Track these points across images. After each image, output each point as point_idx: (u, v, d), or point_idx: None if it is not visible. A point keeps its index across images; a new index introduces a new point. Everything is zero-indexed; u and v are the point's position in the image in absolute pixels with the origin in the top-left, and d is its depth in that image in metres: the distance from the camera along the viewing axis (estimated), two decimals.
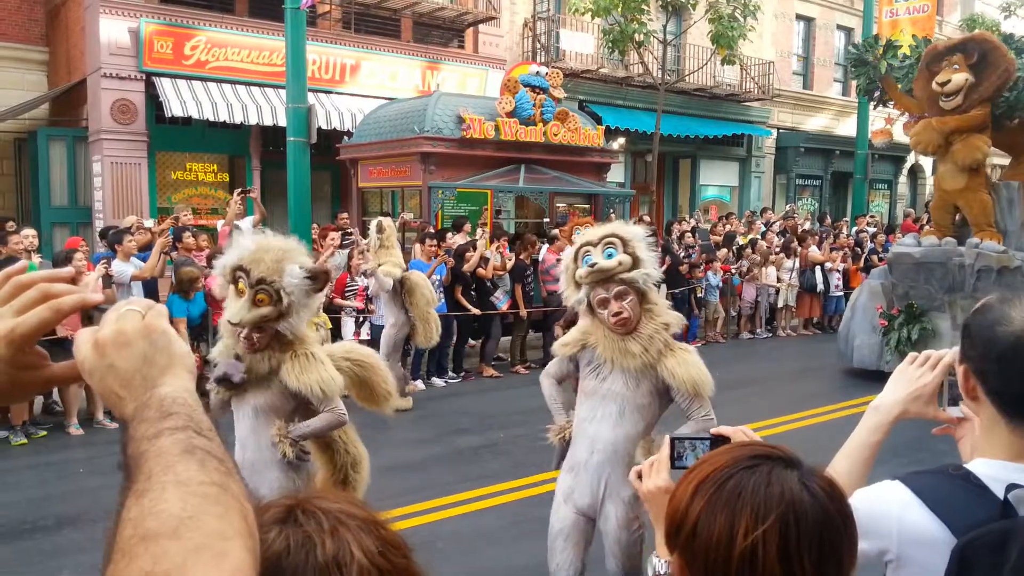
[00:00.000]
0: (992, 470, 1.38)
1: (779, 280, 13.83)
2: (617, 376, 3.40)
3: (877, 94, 10.92)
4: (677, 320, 3.47)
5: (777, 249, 13.94)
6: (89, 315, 3.96)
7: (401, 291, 8.39)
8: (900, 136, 13.81)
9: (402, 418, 8.32)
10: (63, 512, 5.64)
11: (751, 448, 1.15)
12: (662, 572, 1.40)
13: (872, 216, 18.98)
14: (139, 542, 0.66)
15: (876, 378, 9.41)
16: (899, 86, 10.45)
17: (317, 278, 3.42)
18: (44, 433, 7.63)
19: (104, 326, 0.86)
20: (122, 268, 8.04)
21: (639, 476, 1.54)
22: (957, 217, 10.10)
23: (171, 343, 0.86)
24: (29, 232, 8.59)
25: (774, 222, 16.22)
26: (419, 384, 9.55)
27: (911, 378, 1.62)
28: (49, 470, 6.72)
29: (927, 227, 10.98)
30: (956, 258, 9.64)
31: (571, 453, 3.58)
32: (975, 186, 9.66)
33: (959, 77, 9.15)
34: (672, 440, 1.47)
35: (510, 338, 10.89)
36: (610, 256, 3.35)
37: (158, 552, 0.65)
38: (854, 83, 11.78)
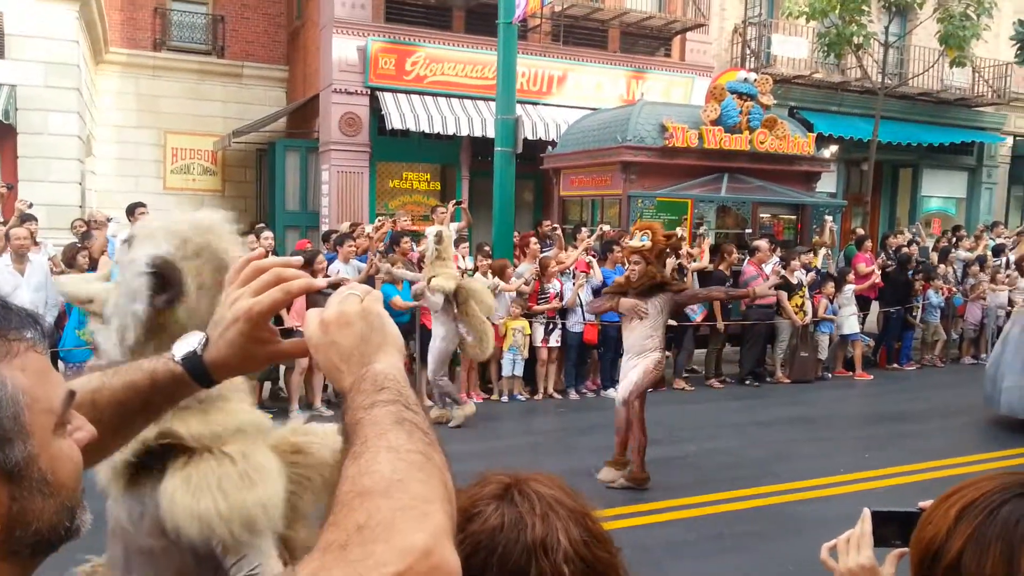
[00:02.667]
0: None
1: (1011, 303, 12.61)
2: (120, 502, 1.71)
3: None
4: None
5: (1008, 268, 12.73)
6: (313, 300, 4.26)
7: (455, 301, 7.82)
8: None
9: (592, 424, 8.46)
10: None
11: (1016, 476, 1.04)
12: None
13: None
14: (355, 497, 0.76)
15: None
16: None
17: None
18: (270, 416, 8.47)
19: (329, 307, 0.98)
20: (339, 268, 8.80)
21: (831, 553, 1.37)
22: None
23: (385, 325, 0.97)
24: (269, 234, 9.67)
25: (1008, 238, 14.81)
26: (470, 405, 8.51)
27: None
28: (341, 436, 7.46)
29: None
30: None
31: None
32: None
33: None
34: (873, 514, 1.33)
35: (705, 351, 10.74)
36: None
37: (371, 507, 0.74)
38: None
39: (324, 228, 14.08)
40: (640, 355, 6.33)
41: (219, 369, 1.10)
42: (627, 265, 6.30)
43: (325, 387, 8.76)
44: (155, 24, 17.02)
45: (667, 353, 10.95)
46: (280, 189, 15.94)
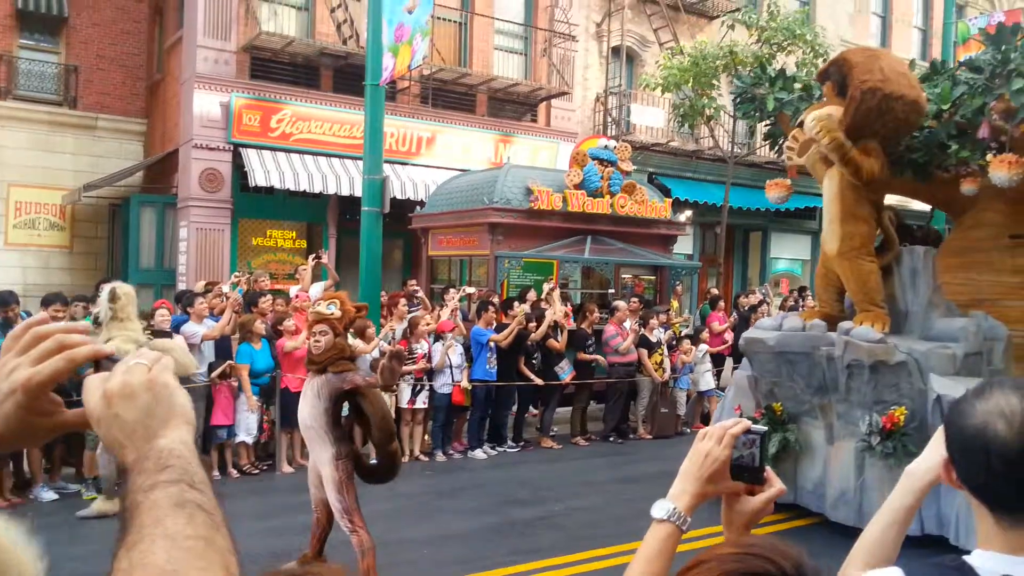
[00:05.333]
0: (988, 563, 1.31)
1: None
2: None
3: (783, 141, 8.15)
4: None
5: None
6: (103, 368, 3.88)
7: None
8: None
9: (459, 487, 8.38)
10: None
11: (745, 559, 1.08)
12: (663, 516, 1.35)
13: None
14: None
15: None
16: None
17: None
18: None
19: (113, 377, 0.92)
20: (193, 330, 8.42)
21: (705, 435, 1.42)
22: None
23: (173, 396, 0.91)
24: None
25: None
26: None
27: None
28: (118, 523, 6.96)
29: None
30: (824, 347, 7.01)
31: None
32: (849, 249, 7.18)
33: (814, 115, 6.96)
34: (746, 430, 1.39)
35: (571, 409, 10.90)
36: None
37: None
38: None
39: (181, 287, 13.51)
40: (321, 444, 5.22)
41: None
42: (312, 337, 5.32)
43: None
44: (0, 72, 16.10)
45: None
46: (134, 246, 15.24)
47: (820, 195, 9.30)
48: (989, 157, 6.75)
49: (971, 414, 1.33)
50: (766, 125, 8.62)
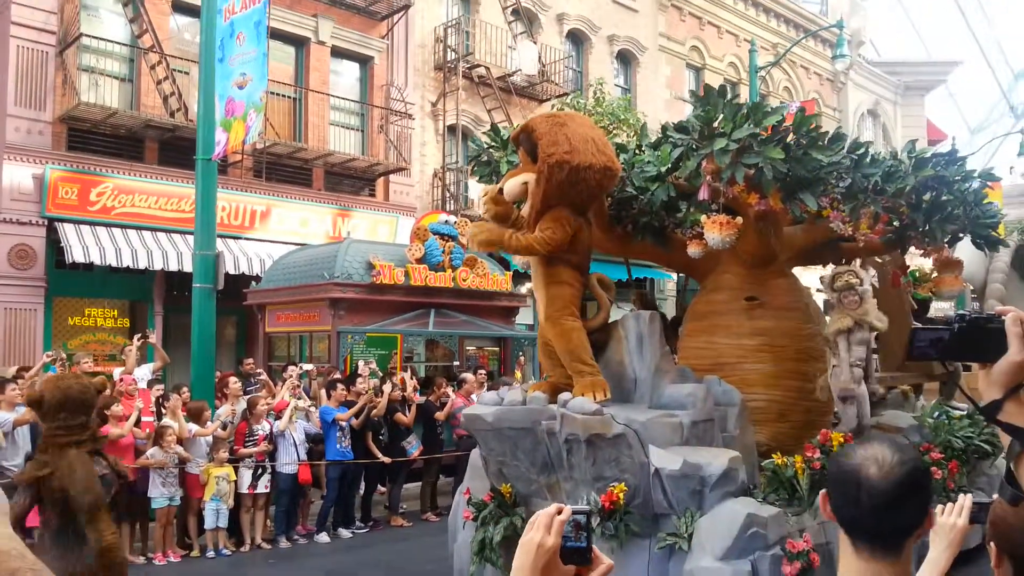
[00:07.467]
0: None
1: None
2: None
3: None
4: None
5: None
6: None
7: None
8: None
9: (305, 574, 7.95)
10: None
11: None
12: None
13: None
14: None
15: None
16: None
17: None
18: None
19: None
20: (3, 417, 7.67)
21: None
22: None
23: None
24: None
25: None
26: None
27: None
28: None
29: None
30: (545, 421, 6.21)
31: None
32: (552, 311, 6.70)
33: (511, 183, 6.50)
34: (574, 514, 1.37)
35: (420, 484, 10.68)
36: None
37: None
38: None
39: None
40: None
41: None
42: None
43: None
44: None
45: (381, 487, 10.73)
46: None
47: (650, 266, 9.76)
48: (703, 219, 6.60)
49: (851, 456, 1.63)
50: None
